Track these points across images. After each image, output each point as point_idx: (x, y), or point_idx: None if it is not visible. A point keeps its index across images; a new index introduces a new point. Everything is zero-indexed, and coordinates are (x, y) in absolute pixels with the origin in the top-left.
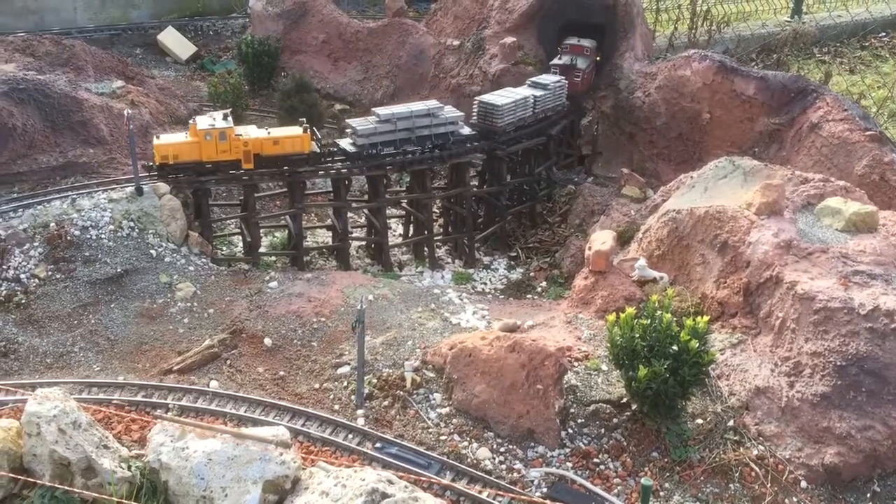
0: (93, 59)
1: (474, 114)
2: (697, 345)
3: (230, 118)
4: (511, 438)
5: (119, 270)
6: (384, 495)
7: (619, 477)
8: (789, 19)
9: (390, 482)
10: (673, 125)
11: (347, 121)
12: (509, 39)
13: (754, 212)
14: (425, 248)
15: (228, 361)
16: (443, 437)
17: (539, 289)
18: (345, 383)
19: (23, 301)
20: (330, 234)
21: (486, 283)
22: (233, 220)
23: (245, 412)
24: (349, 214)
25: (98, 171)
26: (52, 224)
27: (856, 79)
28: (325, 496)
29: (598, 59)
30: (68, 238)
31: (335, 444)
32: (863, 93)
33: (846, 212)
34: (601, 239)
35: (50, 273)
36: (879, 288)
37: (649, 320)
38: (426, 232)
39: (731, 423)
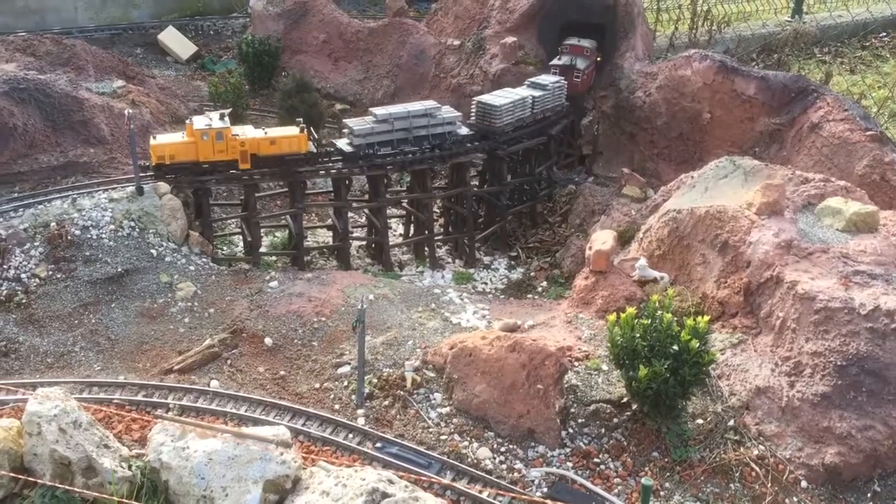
0: (93, 59)
1: (472, 114)
2: (698, 345)
3: (227, 118)
4: (511, 438)
5: (120, 270)
6: (384, 495)
7: (619, 477)
8: (790, 19)
9: (391, 482)
10: (673, 125)
11: (345, 121)
12: (510, 39)
13: (755, 212)
14: (426, 248)
15: (229, 361)
16: (443, 437)
17: (539, 289)
18: (345, 383)
19: (23, 301)
20: (330, 233)
21: (486, 283)
22: (233, 220)
23: (245, 412)
24: (350, 214)
25: (99, 171)
26: (53, 224)
27: (856, 79)
28: (326, 496)
29: (598, 59)
30: (69, 238)
31: (336, 443)
32: (863, 93)
33: (847, 212)
34: (602, 239)
35: (50, 273)
36: (880, 288)
37: (650, 320)
38: (427, 232)
39: (731, 422)
